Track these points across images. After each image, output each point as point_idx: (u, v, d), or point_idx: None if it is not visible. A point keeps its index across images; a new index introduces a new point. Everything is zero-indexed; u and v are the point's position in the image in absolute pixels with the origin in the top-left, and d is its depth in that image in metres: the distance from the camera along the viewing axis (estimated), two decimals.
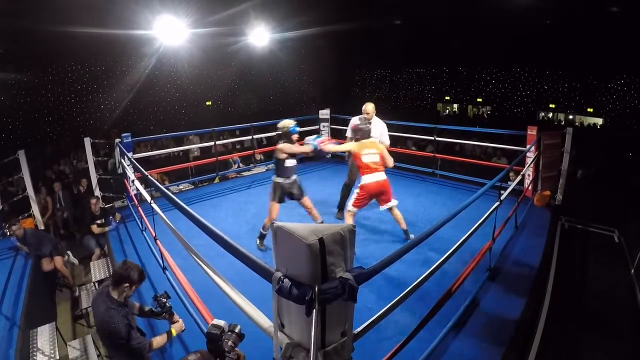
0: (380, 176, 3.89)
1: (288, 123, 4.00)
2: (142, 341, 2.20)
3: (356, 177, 4.57)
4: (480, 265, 3.28)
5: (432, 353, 2.50)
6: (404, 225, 4.06)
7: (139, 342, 2.17)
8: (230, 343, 1.70)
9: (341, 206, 4.87)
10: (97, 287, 4.08)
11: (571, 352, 3.39)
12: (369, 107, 4.64)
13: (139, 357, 2.23)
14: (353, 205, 3.94)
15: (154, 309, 2.44)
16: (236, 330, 1.74)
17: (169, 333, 2.39)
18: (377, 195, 3.93)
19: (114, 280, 2.18)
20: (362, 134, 4.00)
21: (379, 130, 4.63)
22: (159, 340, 2.33)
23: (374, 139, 4.14)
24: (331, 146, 3.99)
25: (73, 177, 8.15)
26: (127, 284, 2.16)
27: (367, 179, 3.86)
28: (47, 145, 10.97)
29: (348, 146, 4.12)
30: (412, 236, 4.09)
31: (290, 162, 3.93)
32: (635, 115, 12.42)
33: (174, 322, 2.46)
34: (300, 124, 8.28)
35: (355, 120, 4.72)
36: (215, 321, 1.74)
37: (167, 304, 2.43)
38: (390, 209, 4.01)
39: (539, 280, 3.59)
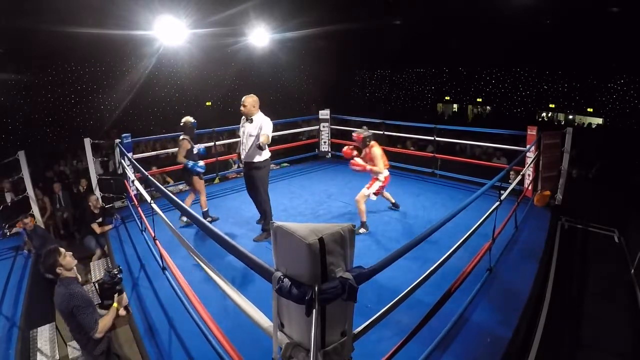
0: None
1: (190, 119, 4.63)
2: (90, 319, 2.33)
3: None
4: (480, 265, 3.28)
5: (432, 353, 2.50)
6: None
7: (87, 319, 2.31)
8: None
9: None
10: (96, 287, 4.07)
11: (571, 352, 3.39)
12: (248, 100, 3.90)
13: (93, 342, 2.37)
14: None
15: (105, 280, 2.62)
16: None
17: (112, 308, 2.52)
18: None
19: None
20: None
21: (266, 127, 3.92)
22: (105, 319, 2.44)
23: None
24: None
25: (73, 178, 8.15)
26: (59, 267, 2.41)
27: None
28: (47, 145, 10.95)
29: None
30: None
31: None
32: (635, 115, 12.40)
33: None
34: (300, 124, 8.30)
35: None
36: None
37: (118, 275, 2.60)
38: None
39: (539, 280, 3.59)
